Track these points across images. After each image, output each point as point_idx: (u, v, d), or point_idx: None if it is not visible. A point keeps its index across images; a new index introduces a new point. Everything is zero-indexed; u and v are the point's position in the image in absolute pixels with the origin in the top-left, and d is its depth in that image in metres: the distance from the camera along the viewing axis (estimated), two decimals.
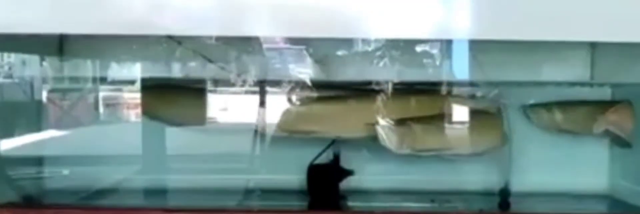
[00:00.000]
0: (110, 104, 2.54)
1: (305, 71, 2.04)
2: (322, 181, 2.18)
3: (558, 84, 2.21)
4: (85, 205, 1.93)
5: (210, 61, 2.00)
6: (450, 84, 2.15)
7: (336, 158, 2.19)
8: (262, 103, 2.25)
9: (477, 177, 2.28)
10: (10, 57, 2.40)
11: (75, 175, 2.26)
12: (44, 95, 2.46)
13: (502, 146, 2.17)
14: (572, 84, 2.22)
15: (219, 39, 1.81)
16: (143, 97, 2.27)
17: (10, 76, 2.40)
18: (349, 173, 2.21)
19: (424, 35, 1.72)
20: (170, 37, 1.86)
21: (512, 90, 2.21)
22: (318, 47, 2.03)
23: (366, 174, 2.24)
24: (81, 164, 2.29)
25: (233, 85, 2.02)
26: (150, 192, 2.29)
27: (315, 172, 2.18)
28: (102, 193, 2.19)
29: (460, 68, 2.08)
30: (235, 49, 1.99)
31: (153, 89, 2.24)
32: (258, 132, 2.26)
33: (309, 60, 2.06)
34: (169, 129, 2.32)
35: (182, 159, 2.36)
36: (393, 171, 2.28)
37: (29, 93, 2.47)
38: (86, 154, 2.31)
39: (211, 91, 2.25)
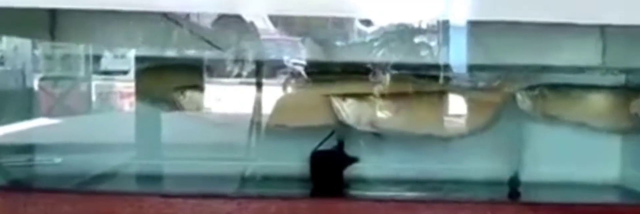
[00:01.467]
0: (104, 92, 2.53)
1: (301, 58, 2.05)
2: (325, 168, 2.13)
3: (567, 68, 2.18)
4: (78, 190, 1.84)
5: (208, 42, 1.99)
6: (443, 68, 2.12)
7: (340, 145, 2.14)
8: (260, 91, 2.20)
9: (486, 166, 2.23)
10: (2, 45, 2.40)
11: (72, 163, 2.23)
12: (36, 83, 2.45)
13: (483, 130, 2.13)
14: (582, 68, 2.18)
15: (215, 24, 1.82)
16: (138, 80, 2.24)
17: (1, 63, 2.42)
18: (353, 160, 2.16)
19: (424, 15, 1.74)
20: (165, 16, 1.82)
21: (520, 77, 2.16)
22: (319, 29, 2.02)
23: (371, 161, 2.19)
24: (81, 152, 2.26)
25: (229, 73, 2.03)
26: (147, 179, 2.26)
27: (318, 159, 2.12)
28: (98, 180, 2.15)
29: (457, 52, 2.06)
30: (232, 35, 1.99)
31: (148, 71, 2.22)
32: (258, 120, 2.22)
33: (307, 45, 2.06)
34: (167, 115, 2.29)
35: (181, 146, 2.31)
36: (399, 158, 2.24)
37: (20, 81, 2.46)
38: (85, 142, 2.28)
39: (209, 81, 2.20)
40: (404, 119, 2.10)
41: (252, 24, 2.05)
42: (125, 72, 2.34)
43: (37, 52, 2.32)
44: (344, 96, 2.06)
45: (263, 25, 2.05)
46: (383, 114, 2.09)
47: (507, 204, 1.95)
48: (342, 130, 2.13)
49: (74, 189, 1.87)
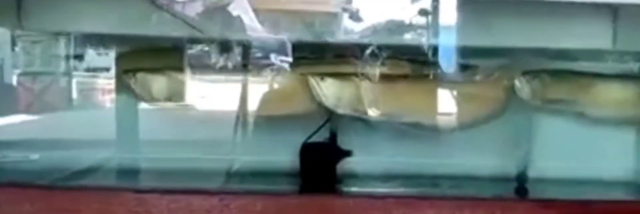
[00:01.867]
0: (85, 88, 2.53)
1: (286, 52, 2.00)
2: (316, 162, 2.01)
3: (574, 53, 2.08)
4: (39, 185, 1.69)
5: (188, 24, 1.93)
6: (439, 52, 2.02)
7: (333, 137, 2.02)
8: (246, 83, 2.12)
9: (491, 161, 2.13)
10: None
11: (50, 159, 2.16)
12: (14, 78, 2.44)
13: (480, 123, 2.03)
14: (591, 53, 2.09)
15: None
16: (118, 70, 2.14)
17: None
18: (346, 153, 2.03)
19: None
20: None
21: (523, 65, 2.06)
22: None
23: (366, 155, 2.08)
24: (60, 148, 2.20)
25: (209, 62, 1.98)
26: (128, 174, 2.18)
27: (309, 152, 2.01)
28: (76, 176, 2.06)
29: (456, 35, 1.97)
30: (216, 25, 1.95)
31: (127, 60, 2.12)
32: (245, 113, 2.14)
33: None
34: (150, 109, 2.21)
35: (162, 141, 2.22)
36: (396, 152, 2.12)
37: None
38: (63, 138, 2.23)
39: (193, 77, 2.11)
40: (391, 104, 1.99)
41: (238, 17, 2.01)
42: (107, 70, 2.30)
43: (17, 48, 2.30)
44: (323, 76, 1.95)
45: (249, 22, 2.02)
46: (366, 96, 1.96)
47: (517, 201, 1.86)
48: (334, 121, 2.02)
49: (35, 185, 1.71)
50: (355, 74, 1.95)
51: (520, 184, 2.07)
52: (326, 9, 2.06)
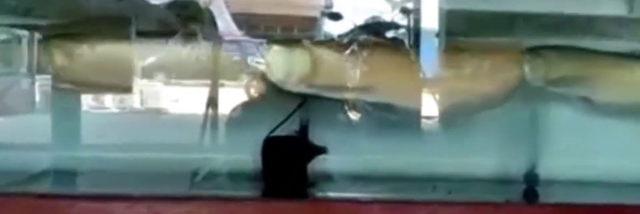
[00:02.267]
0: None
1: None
2: (283, 160, 1.75)
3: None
4: None
5: None
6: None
7: (304, 130, 1.77)
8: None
9: (497, 161, 1.93)
10: None
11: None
12: None
13: (472, 112, 1.79)
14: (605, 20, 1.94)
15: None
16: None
17: None
18: (320, 150, 1.79)
19: None
20: None
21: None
22: None
23: (344, 152, 1.85)
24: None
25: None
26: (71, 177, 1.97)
27: (274, 148, 1.75)
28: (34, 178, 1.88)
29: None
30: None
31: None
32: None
33: None
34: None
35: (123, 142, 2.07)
36: (381, 149, 1.91)
37: None
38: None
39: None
40: (354, 78, 1.73)
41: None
42: None
43: None
44: (271, 42, 1.70)
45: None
46: (324, 68, 1.70)
47: (530, 206, 1.67)
48: (306, 109, 1.77)
49: None
50: (311, 40, 1.70)
51: (529, 186, 1.85)
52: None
